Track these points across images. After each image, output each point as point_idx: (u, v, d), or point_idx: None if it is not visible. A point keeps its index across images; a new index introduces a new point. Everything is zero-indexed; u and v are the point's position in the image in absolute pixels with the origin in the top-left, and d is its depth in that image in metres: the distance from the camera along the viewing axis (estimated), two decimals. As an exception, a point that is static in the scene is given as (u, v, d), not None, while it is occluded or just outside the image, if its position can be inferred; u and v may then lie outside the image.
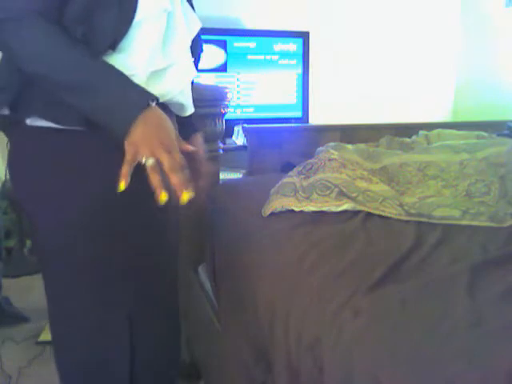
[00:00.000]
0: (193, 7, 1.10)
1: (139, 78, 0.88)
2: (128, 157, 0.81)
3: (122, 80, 0.85)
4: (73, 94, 0.84)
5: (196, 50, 1.09)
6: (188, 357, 1.74)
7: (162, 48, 0.93)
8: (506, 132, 2.00)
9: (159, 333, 1.04)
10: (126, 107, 0.83)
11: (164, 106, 0.96)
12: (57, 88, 0.84)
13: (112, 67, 0.85)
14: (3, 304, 2.09)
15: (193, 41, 1.05)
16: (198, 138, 1.15)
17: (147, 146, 0.81)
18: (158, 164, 0.81)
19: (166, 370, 1.08)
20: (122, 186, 0.79)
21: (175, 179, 0.80)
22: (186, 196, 0.80)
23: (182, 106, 1.05)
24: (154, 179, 0.80)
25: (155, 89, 0.90)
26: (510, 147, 1.52)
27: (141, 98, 0.84)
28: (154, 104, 0.85)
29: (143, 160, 0.81)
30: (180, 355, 1.19)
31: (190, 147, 0.93)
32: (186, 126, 1.12)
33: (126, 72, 0.86)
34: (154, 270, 1.00)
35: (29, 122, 0.91)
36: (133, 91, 0.85)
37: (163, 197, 0.79)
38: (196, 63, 1.11)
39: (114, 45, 0.86)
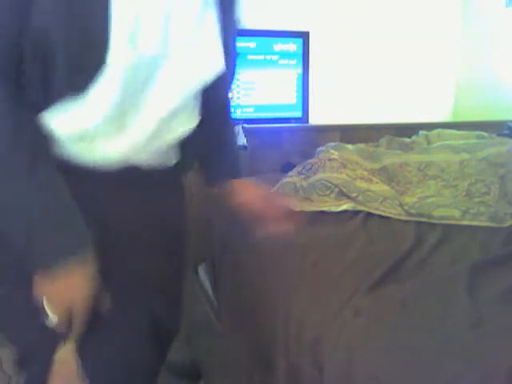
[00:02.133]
0: (232, 33, 0.85)
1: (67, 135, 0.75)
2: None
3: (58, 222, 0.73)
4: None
5: (219, 86, 0.85)
6: (188, 357, 1.74)
7: (121, 115, 0.76)
8: (506, 132, 2.00)
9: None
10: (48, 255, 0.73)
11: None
12: None
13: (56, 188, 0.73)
14: (3, 304, 2.09)
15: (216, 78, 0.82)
16: (232, 186, 1.05)
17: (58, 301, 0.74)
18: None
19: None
20: None
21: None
22: None
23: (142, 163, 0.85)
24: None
25: (93, 151, 0.77)
26: (510, 147, 1.51)
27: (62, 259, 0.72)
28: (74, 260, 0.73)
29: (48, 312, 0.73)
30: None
31: None
32: (209, 174, 1.04)
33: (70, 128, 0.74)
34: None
35: None
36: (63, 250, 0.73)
37: None
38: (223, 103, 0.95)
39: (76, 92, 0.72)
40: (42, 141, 0.75)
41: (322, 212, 1.25)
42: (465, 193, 1.35)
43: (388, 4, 3.13)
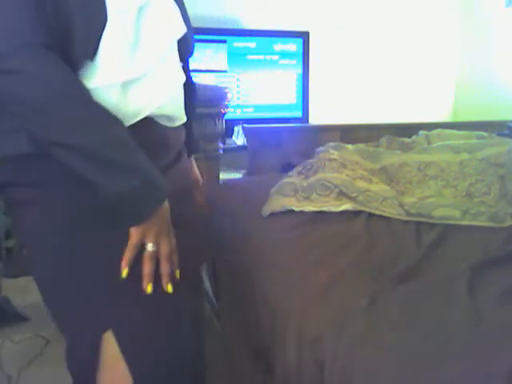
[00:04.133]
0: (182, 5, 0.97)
1: (115, 90, 0.80)
2: (134, 240, 0.82)
3: (148, 164, 0.80)
4: (92, 162, 0.76)
5: (184, 52, 0.97)
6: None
7: (131, 53, 0.82)
8: (506, 132, 2.00)
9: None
10: (149, 198, 0.81)
11: (149, 120, 0.87)
12: (76, 154, 0.76)
13: (129, 138, 0.80)
14: (3, 304, 2.09)
15: (181, 42, 0.92)
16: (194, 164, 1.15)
17: (153, 234, 0.83)
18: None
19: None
20: (125, 272, 0.81)
21: (166, 268, 0.84)
22: (169, 288, 0.84)
23: (169, 118, 0.94)
24: (147, 267, 0.82)
25: (130, 104, 0.82)
26: (510, 147, 1.51)
27: (162, 192, 0.82)
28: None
29: (147, 245, 0.82)
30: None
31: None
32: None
33: (99, 83, 0.79)
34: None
35: None
36: (158, 179, 0.81)
37: (149, 288, 0.82)
38: (185, 67, 1.00)
39: (90, 52, 0.78)
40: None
41: (322, 212, 1.25)
42: (465, 193, 1.35)
43: (388, 4, 3.13)
